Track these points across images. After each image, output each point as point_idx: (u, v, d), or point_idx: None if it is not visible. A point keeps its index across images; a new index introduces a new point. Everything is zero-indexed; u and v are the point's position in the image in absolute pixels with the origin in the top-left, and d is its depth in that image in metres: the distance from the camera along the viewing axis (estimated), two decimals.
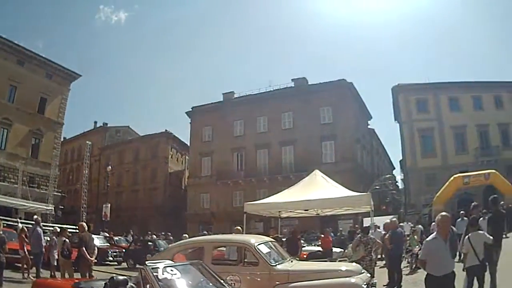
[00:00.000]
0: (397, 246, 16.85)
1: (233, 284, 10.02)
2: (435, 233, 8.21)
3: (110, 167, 56.20)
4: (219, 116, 64.11)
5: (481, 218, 13.86)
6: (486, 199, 14.93)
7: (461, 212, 23.92)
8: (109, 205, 49.54)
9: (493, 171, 41.08)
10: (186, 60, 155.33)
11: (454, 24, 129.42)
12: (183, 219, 63.63)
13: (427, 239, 8.43)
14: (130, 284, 7.14)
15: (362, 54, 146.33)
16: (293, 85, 63.71)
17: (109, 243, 33.98)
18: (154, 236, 37.22)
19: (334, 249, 26.12)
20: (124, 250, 31.61)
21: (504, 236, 26.00)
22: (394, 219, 23.65)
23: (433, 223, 31.85)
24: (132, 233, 45.51)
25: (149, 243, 30.95)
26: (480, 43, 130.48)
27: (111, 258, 30.20)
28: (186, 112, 68.54)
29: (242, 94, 66.31)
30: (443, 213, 8.30)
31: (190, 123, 68.13)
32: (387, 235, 17.81)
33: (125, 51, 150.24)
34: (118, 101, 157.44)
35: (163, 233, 41.98)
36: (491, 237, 10.60)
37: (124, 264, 29.34)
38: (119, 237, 39.52)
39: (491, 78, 67.55)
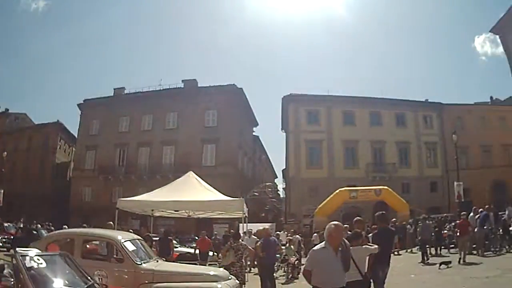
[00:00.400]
0: (269, 255, 16.22)
1: (100, 279, 9.83)
2: (323, 242, 7.41)
3: (5, 153, 55.15)
4: (107, 110, 62.97)
5: (371, 234, 13.34)
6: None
7: (345, 226, 23.86)
8: (1, 191, 48.32)
9: (385, 187, 42.57)
10: (95, 52, 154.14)
11: (362, 39, 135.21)
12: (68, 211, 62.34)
13: (315, 248, 7.62)
14: (7, 270, 6.85)
15: (264, 62, 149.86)
16: (182, 86, 63.22)
17: None
18: (39, 226, 37.88)
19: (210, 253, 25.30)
20: (12, 237, 32.36)
21: (396, 253, 27.17)
22: (267, 227, 23.34)
23: (315, 234, 33.31)
24: (22, 220, 45.59)
25: (34, 231, 31.46)
26: (389, 61, 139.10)
27: (0, 244, 30.89)
28: (77, 104, 67.13)
29: (132, 90, 65.41)
30: (336, 222, 7.55)
31: (81, 115, 66.67)
32: (259, 242, 17.55)
33: (38, 38, 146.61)
34: (22, 87, 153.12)
35: (47, 223, 42.43)
36: (376, 246, 10.23)
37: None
38: (9, 223, 40.18)
39: (396, 96, 67.39)
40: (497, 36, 55.65)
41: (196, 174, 23.03)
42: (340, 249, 7.28)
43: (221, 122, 57.87)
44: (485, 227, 24.28)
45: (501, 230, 25.04)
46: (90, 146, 64.36)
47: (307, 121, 59.41)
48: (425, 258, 24.95)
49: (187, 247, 30.08)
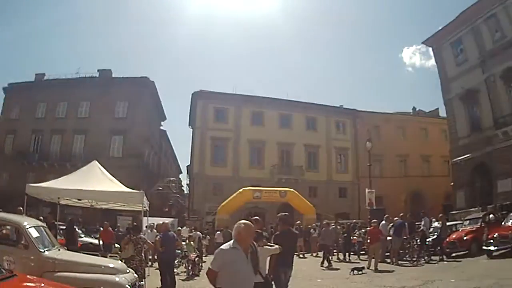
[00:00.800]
0: (168, 250, 16.18)
1: (8, 265, 9.76)
2: (233, 241, 6.66)
3: None
4: (28, 96, 62.57)
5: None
6: None
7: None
8: None
9: (291, 189, 43.05)
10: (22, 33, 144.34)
11: (287, 40, 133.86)
12: None
13: (223, 248, 6.74)
14: None
15: (182, 57, 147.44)
16: (97, 75, 63.17)
17: None
18: None
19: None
20: None
21: (301, 256, 28.76)
22: (167, 221, 23.51)
23: (218, 232, 34.31)
24: None
25: None
26: (311, 64, 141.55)
27: None
28: (3, 88, 66.82)
29: (52, 77, 64.78)
30: (246, 221, 6.97)
31: (4, 98, 66.31)
32: (158, 237, 17.91)
33: None
34: None
35: None
36: (278, 246, 10.14)
37: None
38: None
39: (314, 100, 67.22)
40: (430, 49, 55.13)
41: (104, 165, 22.98)
42: (249, 250, 6.71)
43: (131, 114, 58.23)
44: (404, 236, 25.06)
45: (418, 241, 25.62)
46: (10, 130, 63.96)
47: (214, 118, 59.63)
48: (326, 262, 25.58)
49: (93, 237, 29.91)
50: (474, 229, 25.07)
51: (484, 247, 22.31)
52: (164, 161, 77.49)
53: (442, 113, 59.90)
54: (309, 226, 36.59)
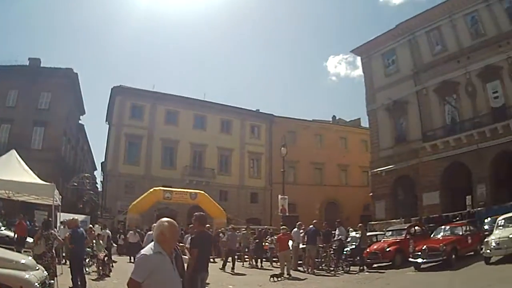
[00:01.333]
0: (78, 247, 14.27)
1: None
2: (154, 244, 4.76)
3: None
4: None
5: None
6: (191, 218, 12.31)
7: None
8: None
9: (201, 192, 40.86)
10: None
11: (215, 43, 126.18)
12: None
13: (145, 252, 4.74)
14: None
15: (110, 52, 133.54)
16: (26, 64, 55.71)
17: None
18: None
19: (28, 239, 22.57)
20: None
21: (212, 260, 23.51)
22: (77, 217, 19.26)
23: (131, 232, 30.79)
24: None
25: None
26: (235, 68, 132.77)
27: None
28: None
29: None
30: (170, 220, 4.96)
31: None
32: (67, 233, 15.84)
33: None
34: None
35: None
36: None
37: None
38: None
39: (236, 103, 63.43)
40: (357, 59, 53.04)
41: (24, 157, 20.24)
42: (174, 254, 5.34)
43: (53, 106, 51.85)
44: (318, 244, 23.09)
45: (335, 249, 23.94)
46: None
47: (130, 115, 54.39)
48: (228, 266, 24.01)
49: (12, 230, 26.27)
50: (398, 240, 23.40)
51: (410, 259, 20.79)
52: (80, 156, 71.39)
53: (364, 123, 57.28)
54: (218, 230, 33.44)
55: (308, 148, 58.12)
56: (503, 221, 19.28)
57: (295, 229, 24.21)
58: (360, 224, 27.21)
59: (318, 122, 64.14)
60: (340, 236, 25.31)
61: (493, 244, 17.71)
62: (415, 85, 42.58)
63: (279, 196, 35.54)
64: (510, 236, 17.15)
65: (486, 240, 18.55)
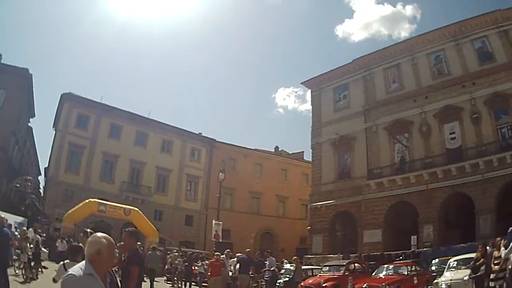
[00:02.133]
0: (2, 249, 11.43)
1: None
2: (86, 264, 3.56)
3: None
4: None
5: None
6: None
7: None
8: None
9: (135, 208, 36.16)
10: None
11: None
12: None
13: (73, 272, 3.52)
14: None
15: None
16: None
17: None
18: None
19: None
20: None
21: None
22: (3, 216, 15.94)
23: (59, 240, 27.55)
24: None
25: None
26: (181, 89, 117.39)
27: None
28: None
29: None
30: (107, 237, 3.76)
31: None
32: None
33: None
34: None
35: None
36: None
37: None
38: None
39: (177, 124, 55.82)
40: (307, 93, 47.55)
41: None
42: (109, 279, 3.80)
43: (6, 104, 43.82)
44: (250, 273, 20.05)
45: (266, 280, 21.69)
46: None
47: (75, 124, 46.91)
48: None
49: None
50: (336, 276, 20.27)
51: None
52: (26, 159, 63.16)
53: (307, 157, 51.44)
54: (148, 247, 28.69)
55: (247, 176, 52.49)
56: (455, 262, 17.01)
57: (223, 256, 20.75)
58: (295, 257, 22.77)
59: (260, 151, 57.60)
60: (272, 267, 22.30)
61: (444, 286, 15.82)
62: (365, 121, 37.84)
63: (214, 221, 30.69)
64: (465, 278, 14.50)
65: (435, 281, 16.63)
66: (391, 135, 35.68)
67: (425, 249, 28.19)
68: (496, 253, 11.24)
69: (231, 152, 52.77)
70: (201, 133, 55.73)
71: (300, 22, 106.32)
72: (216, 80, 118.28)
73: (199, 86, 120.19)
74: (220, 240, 30.38)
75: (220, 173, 32.11)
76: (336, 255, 31.90)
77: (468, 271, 13.89)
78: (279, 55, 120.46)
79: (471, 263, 13.00)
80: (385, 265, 20.23)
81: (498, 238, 12.92)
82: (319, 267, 24.48)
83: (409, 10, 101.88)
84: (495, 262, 11.18)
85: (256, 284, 21.13)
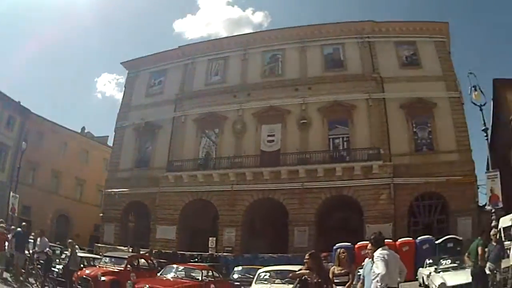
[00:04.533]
0: None
1: None
2: None
3: None
4: None
5: None
6: None
7: None
8: None
9: None
10: None
11: None
12: None
13: None
14: None
15: None
16: None
17: None
18: None
19: None
20: None
21: None
22: None
23: None
24: None
25: None
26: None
27: None
28: None
29: None
30: None
31: None
32: None
33: None
34: None
35: None
36: None
37: None
38: None
39: None
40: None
41: None
42: None
43: None
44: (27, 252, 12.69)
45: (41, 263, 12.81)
46: None
47: None
48: None
49: None
50: (117, 270, 12.73)
51: None
52: None
53: (112, 142, 38.11)
54: None
55: (52, 152, 37.11)
56: (267, 274, 10.87)
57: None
58: (69, 240, 14.60)
59: (66, 129, 42.83)
60: (46, 249, 13.70)
61: None
62: (175, 110, 27.03)
63: (11, 193, 22.70)
64: None
65: None
66: (200, 128, 25.62)
67: (225, 253, 21.10)
68: (336, 269, 6.66)
69: (42, 126, 37.60)
70: (19, 102, 39.61)
71: (141, 10, 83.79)
72: (45, 51, 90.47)
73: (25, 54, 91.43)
74: (16, 215, 21.98)
75: (23, 142, 24.18)
76: (126, 248, 22.13)
77: (288, 286, 8.82)
78: (109, 40, 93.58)
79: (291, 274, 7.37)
80: (175, 266, 12.77)
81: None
82: (100, 257, 16.14)
83: (258, 17, 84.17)
84: (336, 280, 6.45)
85: (32, 266, 13.21)
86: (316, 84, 24.72)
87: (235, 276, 14.61)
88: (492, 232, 9.20)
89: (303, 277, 5.95)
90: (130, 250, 20.42)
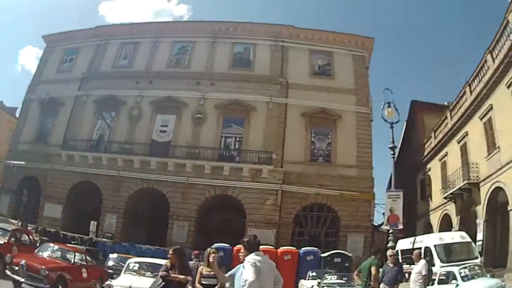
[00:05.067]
0: None
1: None
2: None
3: None
4: None
5: None
6: None
7: None
8: None
9: None
10: None
11: None
12: None
13: None
14: None
15: None
16: None
17: None
18: None
19: None
20: None
21: None
22: None
23: None
24: None
25: None
26: None
27: None
28: None
29: None
30: None
31: None
32: None
33: None
34: None
35: None
36: None
37: None
38: None
39: None
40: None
41: None
42: None
43: None
44: None
45: None
46: None
47: None
48: None
49: None
50: (2, 242, 11.51)
51: (8, 272, 9.77)
52: None
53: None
54: None
55: None
56: (136, 265, 10.05)
57: None
58: None
59: None
60: None
61: None
62: (79, 89, 25.79)
63: None
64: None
65: (109, 282, 9.61)
66: (98, 110, 24.52)
67: (105, 239, 20.22)
68: (204, 270, 6.03)
69: None
70: None
71: None
72: None
73: None
74: None
75: None
76: (16, 221, 20.95)
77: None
78: (34, 13, 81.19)
79: (161, 271, 5.90)
80: (52, 244, 11.84)
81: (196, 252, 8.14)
82: None
83: (181, 9, 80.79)
84: (203, 282, 5.89)
85: None
86: (219, 80, 24.05)
87: (110, 263, 13.97)
88: (389, 253, 8.72)
89: (162, 274, 5.52)
90: (19, 224, 19.52)
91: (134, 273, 9.87)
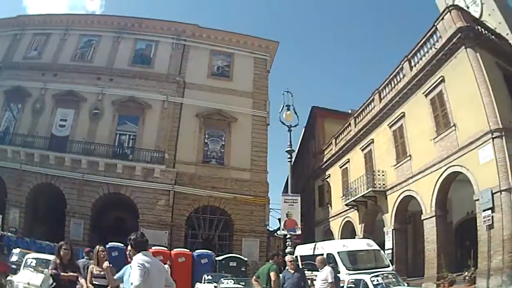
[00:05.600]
0: None
1: None
2: None
3: None
4: None
5: None
6: None
7: None
8: None
9: None
10: None
11: None
12: None
13: None
14: None
15: None
16: None
17: None
18: None
19: None
20: None
21: None
22: None
23: None
24: None
25: None
26: None
27: None
28: None
29: None
30: None
31: None
32: None
33: None
34: None
35: None
36: None
37: None
38: None
39: None
40: None
41: None
42: None
43: None
44: None
45: None
46: None
47: None
48: None
49: None
50: None
51: None
52: None
53: None
54: None
55: None
56: (34, 261, 10.43)
57: None
58: None
59: None
60: None
61: None
62: None
63: None
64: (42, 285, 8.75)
65: (10, 278, 9.84)
66: (7, 101, 24.54)
67: (9, 234, 19.33)
68: (95, 269, 5.70)
69: None
70: None
71: None
72: None
73: None
74: None
75: None
76: None
77: None
78: None
79: (50, 269, 5.94)
80: None
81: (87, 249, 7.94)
82: None
83: (94, 4, 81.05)
84: (95, 282, 5.56)
85: None
86: (119, 76, 24.13)
87: (14, 258, 13.82)
88: (288, 259, 8.26)
89: (53, 273, 5.30)
90: None
91: (32, 269, 10.10)
